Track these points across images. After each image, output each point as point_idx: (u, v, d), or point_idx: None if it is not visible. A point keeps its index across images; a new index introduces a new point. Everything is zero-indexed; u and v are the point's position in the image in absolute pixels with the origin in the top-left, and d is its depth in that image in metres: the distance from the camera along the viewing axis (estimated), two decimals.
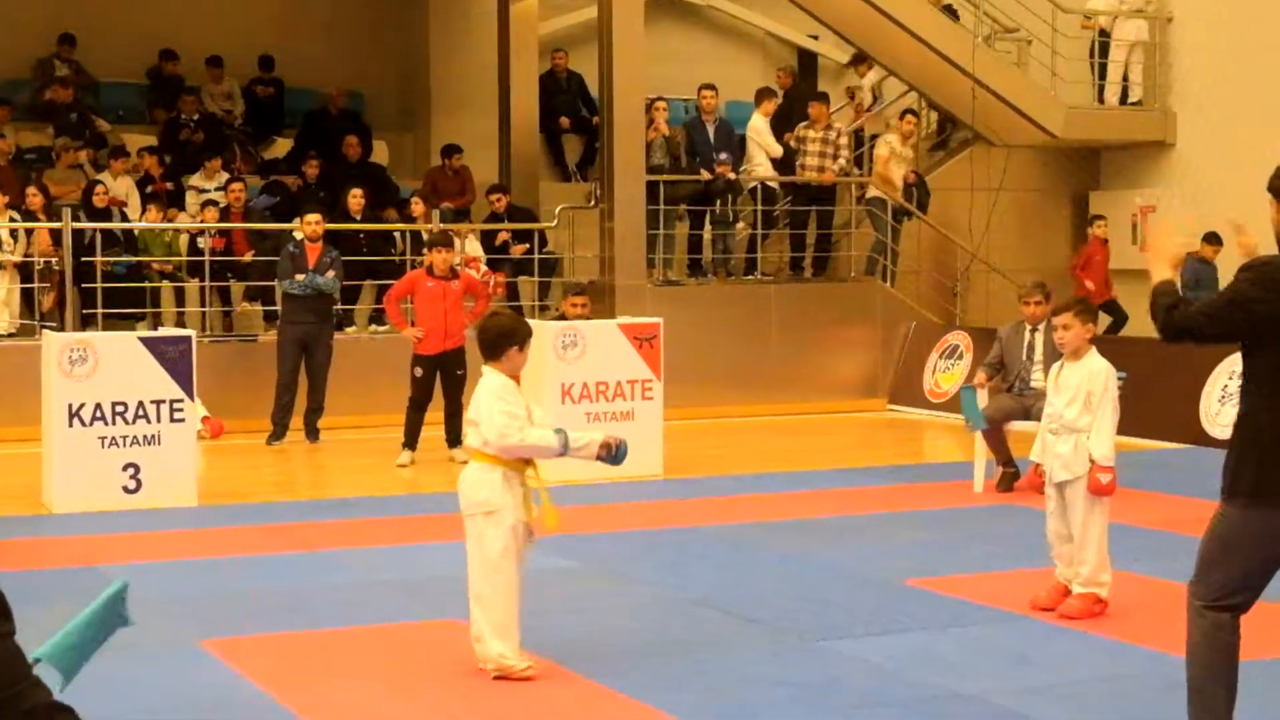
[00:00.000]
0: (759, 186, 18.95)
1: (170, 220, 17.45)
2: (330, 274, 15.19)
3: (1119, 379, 8.23)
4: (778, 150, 19.03)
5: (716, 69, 21.87)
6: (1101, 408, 8.04)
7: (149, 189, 18.09)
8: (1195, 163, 19.80)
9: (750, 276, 19.01)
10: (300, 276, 15.08)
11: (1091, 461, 7.99)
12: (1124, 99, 20.40)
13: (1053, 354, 12.22)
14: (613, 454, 7.07)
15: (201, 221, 17.26)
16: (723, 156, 18.46)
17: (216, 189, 18.05)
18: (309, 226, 15.30)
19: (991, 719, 6.41)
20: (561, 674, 7.09)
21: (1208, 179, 19.59)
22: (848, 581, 9.08)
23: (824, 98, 19.78)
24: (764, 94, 19.45)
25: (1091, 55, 20.45)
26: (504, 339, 7.05)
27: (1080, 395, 8.06)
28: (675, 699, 6.64)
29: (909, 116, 19.74)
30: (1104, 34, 20.34)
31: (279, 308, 15.77)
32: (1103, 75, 20.37)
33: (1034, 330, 12.57)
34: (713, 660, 7.31)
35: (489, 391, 6.97)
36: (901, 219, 19.47)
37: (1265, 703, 6.60)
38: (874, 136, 21.23)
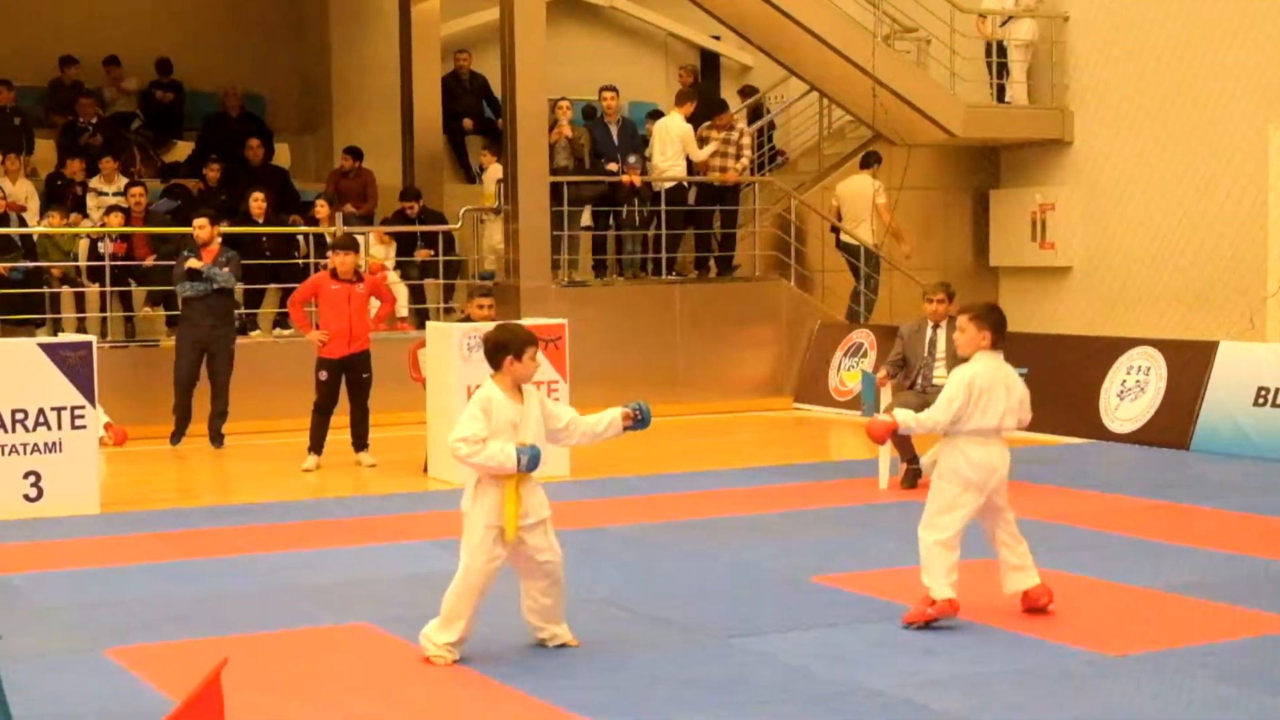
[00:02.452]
0: (664, 189, 18.97)
1: (73, 225, 17.28)
2: (225, 270, 15.08)
3: (1020, 373, 8.27)
4: (700, 155, 18.98)
5: (619, 70, 21.94)
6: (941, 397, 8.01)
7: (41, 192, 17.94)
8: (1093, 160, 20.05)
9: (655, 276, 19.05)
10: (195, 262, 14.94)
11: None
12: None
13: (955, 351, 12.39)
14: (637, 419, 7.50)
15: (103, 226, 17.09)
16: (631, 160, 18.49)
17: (116, 194, 17.88)
18: (196, 231, 15.17)
19: (895, 711, 6.48)
20: (470, 675, 7.11)
21: (1106, 176, 19.85)
22: (754, 580, 9.14)
23: (724, 106, 19.81)
24: (684, 96, 19.46)
25: (989, 54, 20.66)
26: (499, 350, 7.34)
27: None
28: (584, 699, 6.67)
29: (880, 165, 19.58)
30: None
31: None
32: (1000, 74, 20.58)
33: (936, 327, 12.71)
34: (621, 660, 7.35)
35: (469, 405, 7.36)
36: (877, 264, 19.53)
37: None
38: (778, 153, 21.37)
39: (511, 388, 7.37)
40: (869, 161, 19.55)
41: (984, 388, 7.89)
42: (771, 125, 22.35)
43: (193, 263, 14.96)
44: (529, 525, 7.33)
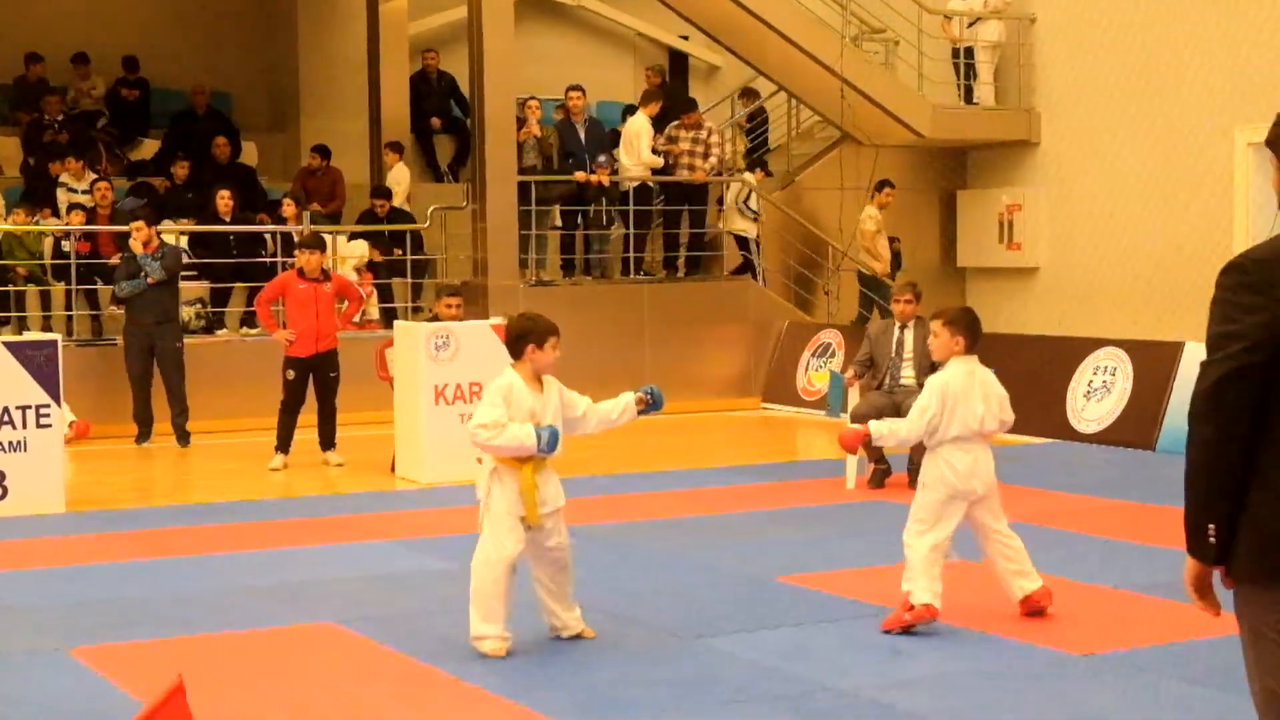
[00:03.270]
0: (630, 188, 18.95)
1: (36, 223, 17.19)
2: (157, 263, 15.04)
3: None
4: (652, 160, 18.91)
5: (587, 69, 21.92)
6: (914, 407, 7.98)
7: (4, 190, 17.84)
8: (1060, 161, 20.12)
9: (623, 276, 19.04)
10: (137, 245, 14.98)
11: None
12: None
13: (922, 351, 12.44)
14: (650, 403, 7.63)
15: (67, 224, 17.01)
16: (601, 159, 18.47)
17: (84, 191, 17.82)
18: (134, 234, 15.10)
19: (862, 711, 6.50)
20: (437, 675, 7.10)
21: (1072, 177, 19.91)
22: (721, 579, 9.15)
23: (693, 105, 19.78)
24: (649, 96, 19.40)
25: (956, 56, 20.71)
26: (521, 339, 7.44)
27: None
28: (551, 699, 6.66)
29: (887, 189, 19.22)
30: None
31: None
32: (968, 75, 20.64)
33: (903, 328, 12.74)
34: (588, 659, 7.35)
35: (487, 391, 7.46)
36: (885, 292, 18.84)
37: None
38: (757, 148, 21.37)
39: (531, 377, 7.45)
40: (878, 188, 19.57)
41: (958, 394, 7.84)
42: (765, 119, 22.28)
43: (134, 244, 14.93)
44: (546, 513, 7.43)
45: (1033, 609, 8.01)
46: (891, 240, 19.46)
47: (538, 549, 7.52)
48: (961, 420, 7.82)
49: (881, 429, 8.04)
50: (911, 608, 7.71)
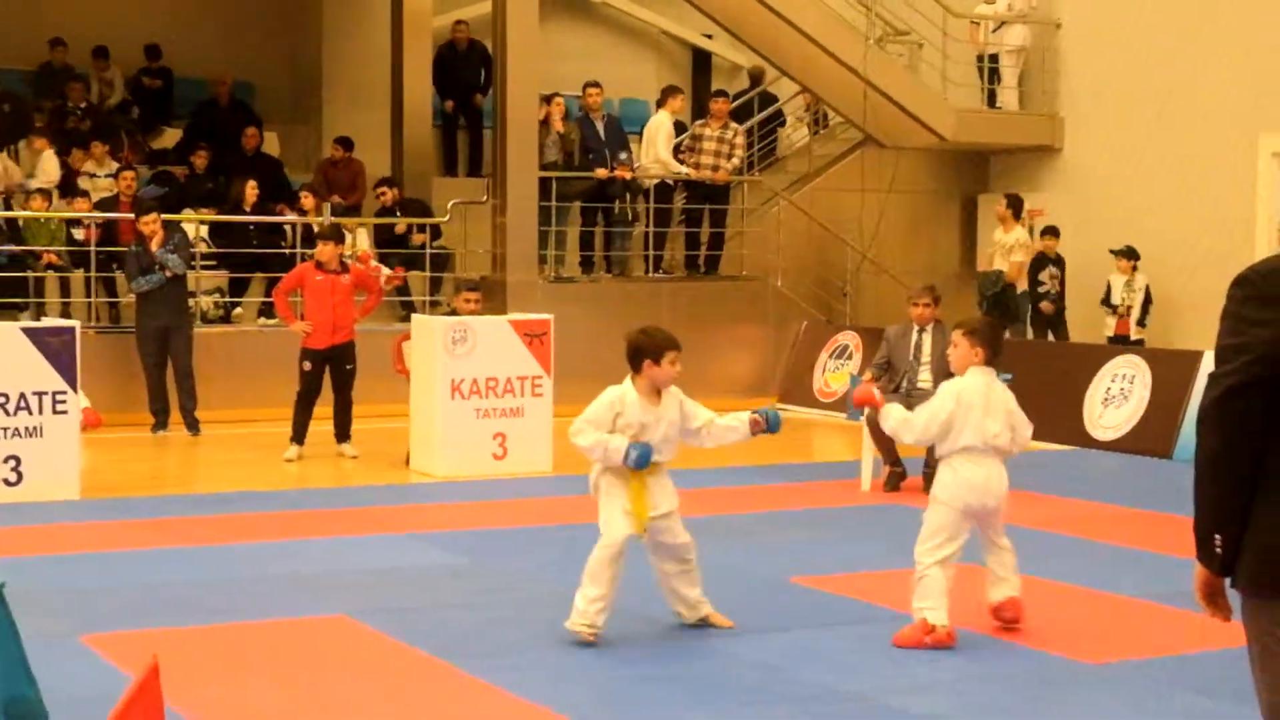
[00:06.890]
0: (651, 186, 18.90)
1: (58, 210, 17.20)
2: (175, 255, 15.05)
3: (1004, 379, 8.09)
4: (668, 160, 18.77)
5: (610, 66, 21.87)
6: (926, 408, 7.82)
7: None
8: (1082, 167, 20.06)
9: (644, 274, 18.99)
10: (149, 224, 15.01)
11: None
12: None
13: (940, 355, 12.40)
14: (766, 424, 7.79)
15: (74, 211, 17.00)
16: (622, 156, 18.43)
17: (107, 175, 17.84)
18: (144, 226, 15.13)
19: (874, 715, 6.48)
20: (448, 670, 7.08)
21: (1094, 183, 19.86)
22: (735, 579, 9.10)
23: (724, 95, 19.73)
24: (671, 91, 19.33)
25: (981, 59, 20.65)
26: (637, 354, 7.70)
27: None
28: (562, 695, 6.65)
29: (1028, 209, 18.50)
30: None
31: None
32: (992, 79, 20.58)
33: (921, 331, 12.71)
34: (600, 657, 7.33)
35: (603, 394, 7.73)
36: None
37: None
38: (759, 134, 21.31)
39: (648, 391, 7.62)
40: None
41: (971, 403, 7.63)
42: (782, 119, 22.19)
43: (145, 231, 14.92)
44: (660, 514, 7.63)
45: (1002, 617, 7.82)
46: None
47: (659, 547, 7.71)
48: (975, 431, 7.62)
49: (893, 413, 7.86)
50: (931, 630, 7.49)
